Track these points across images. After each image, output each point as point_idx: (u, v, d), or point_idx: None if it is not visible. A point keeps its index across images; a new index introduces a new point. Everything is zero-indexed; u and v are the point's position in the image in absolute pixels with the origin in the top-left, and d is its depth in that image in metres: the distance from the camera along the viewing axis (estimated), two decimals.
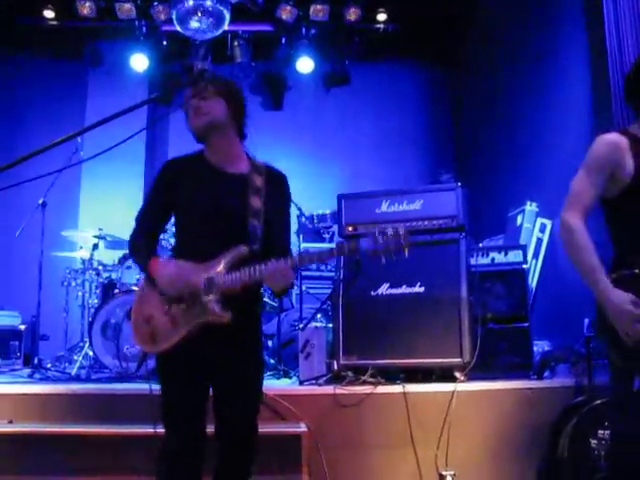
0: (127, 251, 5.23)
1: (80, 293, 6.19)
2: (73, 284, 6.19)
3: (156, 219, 3.03)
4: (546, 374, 4.57)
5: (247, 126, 3.00)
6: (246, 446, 2.91)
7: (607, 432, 3.73)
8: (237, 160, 2.97)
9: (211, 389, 2.89)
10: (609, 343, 2.69)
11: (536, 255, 5.86)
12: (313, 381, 4.44)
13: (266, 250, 2.85)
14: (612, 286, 2.61)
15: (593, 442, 3.74)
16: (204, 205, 2.86)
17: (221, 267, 2.77)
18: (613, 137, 2.78)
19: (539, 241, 5.91)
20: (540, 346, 4.95)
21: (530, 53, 6.48)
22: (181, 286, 2.76)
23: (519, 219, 5.99)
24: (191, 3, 7.14)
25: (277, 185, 3.00)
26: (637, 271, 2.67)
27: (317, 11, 8.08)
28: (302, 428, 3.86)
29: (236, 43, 8.20)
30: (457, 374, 4.25)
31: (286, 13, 7.99)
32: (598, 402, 3.83)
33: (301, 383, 4.49)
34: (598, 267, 2.64)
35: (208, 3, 7.11)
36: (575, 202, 2.77)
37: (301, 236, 5.92)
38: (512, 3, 6.85)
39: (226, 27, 7.52)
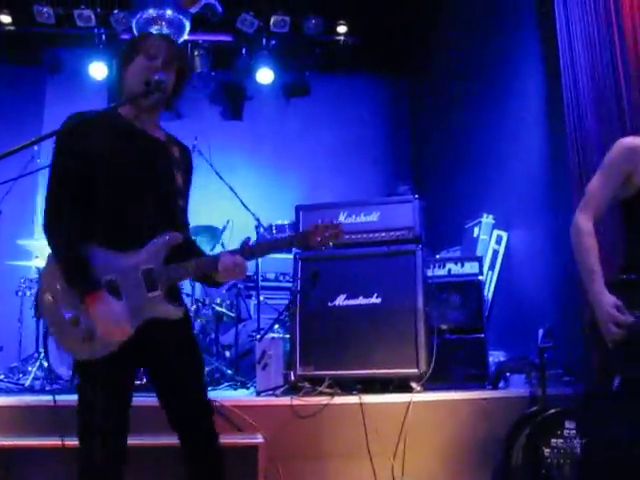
0: None
1: (35, 303, 6.09)
2: (28, 294, 6.06)
3: (79, 196, 2.49)
4: (501, 384, 4.62)
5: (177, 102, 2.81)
6: (213, 452, 2.70)
7: (560, 441, 3.80)
8: (155, 126, 2.73)
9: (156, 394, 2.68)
10: (594, 344, 2.74)
11: (492, 267, 5.93)
12: (270, 392, 4.41)
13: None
14: (604, 288, 2.66)
15: (546, 451, 3.80)
16: (133, 173, 2.54)
17: (158, 257, 2.50)
18: (630, 141, 2.82)
19: (495, 253, 5.99)
20: (495, 356, 5.00)
21: (486, 66, 6.56)
22: (119, 336, 2.43)
23: (475, 231, 6.06)
24: (151, 12, 7.11)
25: (187, 158, 2.80)
26: (625, 277, 2.73)
27: (277, 22, 8.11)
28: (259, 439, 3.84)
29: (196, 53, 8.17)
30: (413, 384, 4.28)
31: (246, 24, 7.99)
32: (551, 411, 3.89)
33: (258, 394, 4.47)
34: (597, 270, 2.69)
35: (168, 12, 7.08)
36: (588, 204, 2.82)
37: None
38: (469, 18, 6.93)
39: (186, 37, 7.50)
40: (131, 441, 2.58)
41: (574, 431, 3.83)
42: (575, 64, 4.53)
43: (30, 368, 5.57)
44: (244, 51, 8.42)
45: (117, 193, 2.52)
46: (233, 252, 2.58)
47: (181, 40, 7.38)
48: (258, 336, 4.88)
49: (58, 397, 4.63)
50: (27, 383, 5.28)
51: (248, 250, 2.60)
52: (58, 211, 2.48)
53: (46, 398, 4.44)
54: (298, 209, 4.79)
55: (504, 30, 6.24)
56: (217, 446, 2.71)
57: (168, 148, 2.69)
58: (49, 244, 2.53)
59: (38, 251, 6.11)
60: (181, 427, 2.65)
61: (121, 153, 2.55)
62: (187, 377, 2.65)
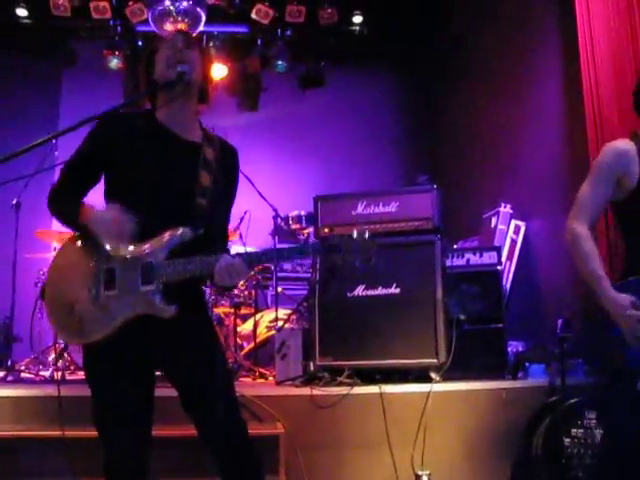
0: None
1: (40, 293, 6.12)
2: None
3: (84, 179, 2.62)
4: (520, 374, 4.62)
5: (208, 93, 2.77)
6: (244, 455, 2.59)
7: (580, 431, 3.80)
8: (191, 127, 2.71)
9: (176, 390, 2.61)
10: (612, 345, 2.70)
11: (510, 256, 5.91)
12: (290, 382, 4.44)
13: (206, 232, 2.58)
14: (615, 292, 2.62)
15: (566, 441, 3.80)
16: (149, 171, 2.54)
17: (161, 252, 2.48)
18: (620, 144, 2.79)
19: (513, 242, 5.97)
20: (514, 346, 4.99)
21: (505, 54, 6.53)
22: (121, 227, 2.43)
23: (494, 221, 6.04)
24: (167, 3, 7.11)
25: (228, 160, 2.75)
26: (633, 278, 2.68)
27: (292, 12, 8.10)
28: (279, 429, 3.86)
29: (212, 44, 8.18)
30: (432, 374, 4.28)
31: (261, 14, 7.99)
32: (571, 401, 3.89)
33: (277, 384, 4.50)
34: (602, 275, 2.66)
35: (184, 4, 7.09)
36: (580, 209, 2.79)
37: (276, 237, 5.91)
38: (488, 7, 6.89)
39: (202, 28, 7.50)
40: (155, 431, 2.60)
41: (594, 421, 3.82)
42: (595, 53, 4.50)
43: (50, 359, 5.61)
44: (259, 42, 8.42)
45: (130, 190, 2.54)
46: (234, 256, 2.48)
47: (197, 31, 7.38)
48: (277, 326, 4.88)
49: (80, 387, 4.70)
50: (47, 374, 5.31)
51: (249, 256, 2.50)
52: (56, 192, 2.61)
53: (67, 389, 4.49)
54: (316, 199, 4.79)
55: (523, 17, 6.20)
56: (248, 453, 2.64)
57: (199, 149, 2.66)
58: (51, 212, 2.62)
59: (56, 242, 6.15)
60: (212, 450, 2.61)
61: (141, 152, 2.57)
62: (204, 390, 2.54)
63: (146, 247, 2.49)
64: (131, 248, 2.50)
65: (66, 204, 2.59)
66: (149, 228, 2.49)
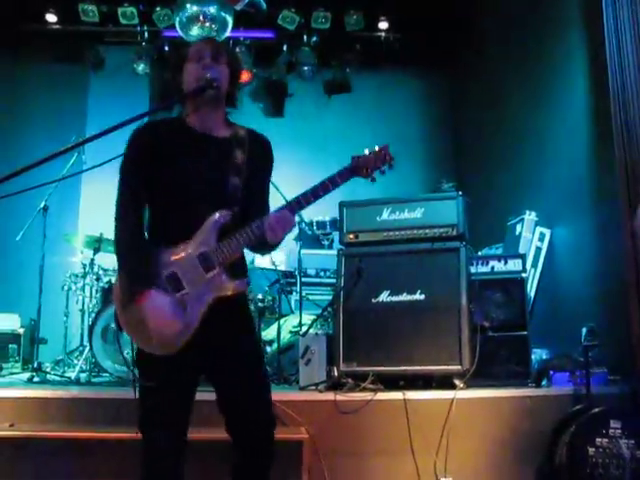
0: None
1: (80, 297, 6.20)
2: (73, 288, 6.20)
3: (140, 204, 2.69)
4: (544, 382, 4.59)
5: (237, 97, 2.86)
6: (266, 450, 2.73)
7: (605, 440, 3.77)
8: (221, 127, 2.78)
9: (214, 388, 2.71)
10: None
11: (535, 264, 5.88)
12: (313, 387, 4.45)
13: (244, 213, 2.68)
14: None
15: (591, 450, 3.77)
16: (185, 172, 2.63)
17: (210, 238, 2.57)
18: None
19: (538, 250, 5.93)
20: (538, 354, 4.97)
21: (531, 63, 6.50)
22: (168, 330, 2.51)
23: (518, 228, 6.01)
24: (194, 9, 7.17)
25: (259, 147, 2.81)
26: None
27: (318, 18, 8.14)
28: (303, 434, 3.88)
29: (238, 49, 8.23)
30: (456, 381, 4.28)
31: (288, 20, 8.04)
32: (596, 410, 3.87)
33: (301, 389, 4.51)
34: None
35: (211, 10, 7.14)
36: None
37: (300, 242, 5.94)
38: (511, 12, 6.87)
39: (228, 33, 7.55)
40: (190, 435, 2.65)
41: (620, 431, 3.80)
42: (622, 59, 4.47)
43: (76, 361, 5.68)
44: (285, 48, 8.46)
45: (168, 193, 2.65)
46: (278, 209, 2.60)
47: (223, 37, 7.43)
48: (301, 331, 4.90)
49: (105, 390, 4.76)
50: (73, 376, 5.37)
51: (292, 202, 2.61)
52: (121, 211, 2.63)
53: (91, 390, 4.54)
54: (342, 205, 4.81)
55: (547, 24, 6.18)
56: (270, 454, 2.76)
57: (229, 142, 2.73)
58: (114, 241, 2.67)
59: (82, 246, 6.23)
60: (242, 446, 2.71)
61: (176, 155, 2.66)
62: (246, 392, 2.66)
63: (193, 242, 2.58)
64: (181, 249, 2.59)
65: (134, 245, 2.61)
66: (187, 225, 2.59)
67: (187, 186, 2.63)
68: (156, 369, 2.56)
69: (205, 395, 2.76)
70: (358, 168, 2.71)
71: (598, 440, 3.79)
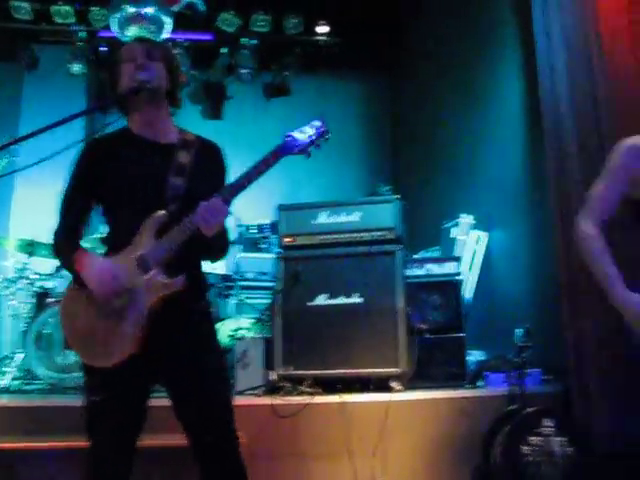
0: None
1: (12, 302, 6.03)
2: (5, 293, 6.03)
3: (80, 210, 2.68)
4: (480, 383, 4.66)
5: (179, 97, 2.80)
6: (232, 462, 2.62)
7: (538, 439, 3.84)
8: (166, 131, 2.72)
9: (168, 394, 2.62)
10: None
11: (471, 267, 5.96)
12: (251, 392, 4.43)
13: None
14: (628, 291, 2.62)
15: (525, 449, 3.83)
16: (131, 180, 2.58)
17: (147, 240, 2.50)
18: (632, 140, 2.79)
19: (474, 253, 6.01)
20: (475, 356, 5.04)
21: (466, 67, 6.59)
22: (112, 283, 2.46)
23: (454, 231, 6.09)
24: (131, 10, 7.06)
25: (211, 154, 2.77)
26: None
27: (258, 21, 8.11)
28: (240, 439, 3.83)
29: (176, 51, 8.13)
30: (393, 384, 4.31)
31: (227, 23, 7.98)
32: (530, 410, 3.93)
33: (238, 394, 4.47)
34: (613, 273, 2.66)
35: (149, 10, 7.04)
36: (591, 208, 2.78)
37: (239, 246, 5.92)
38: (449, 20, 6.96)
39: (167, 35, 7.46)
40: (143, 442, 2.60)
41: (552, 429, 3.87)
42: (553, 67, 4.56)
43: (7, 369, 5.52)
44: (224, 50, 8.40)
45: (115, 203, 2.63)
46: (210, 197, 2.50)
47: (161, 38, 7.34)
48: (237, 335, 4.87)
49: (38, 397, 4.65)
50: (4, 383, 5.23)
51: (223, 189, 2.53)
52: (57, 235, 2.64)
53: (23, 399, 4.43)
54: (279, 209, 4.81)
55: (484, 32, 6.27)
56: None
57: (173, 149, 2.67)
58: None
59: (14, 250, 6.06)
60: (202, 457, 2.60)
61: (122, 165, 2.61)
62: (198, 385, 2.55)
63: (132, 245, 2.52)
64: (121, 256, 2.53)
65: (63, 255, 2.63)
66: (128, 234, 2.54)
67: (130, 193, 2.57)
68: (102, 378, 2.49)
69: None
70: (291, 145, 2.65)
71: (532, 439, 3.85)
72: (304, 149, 2.67)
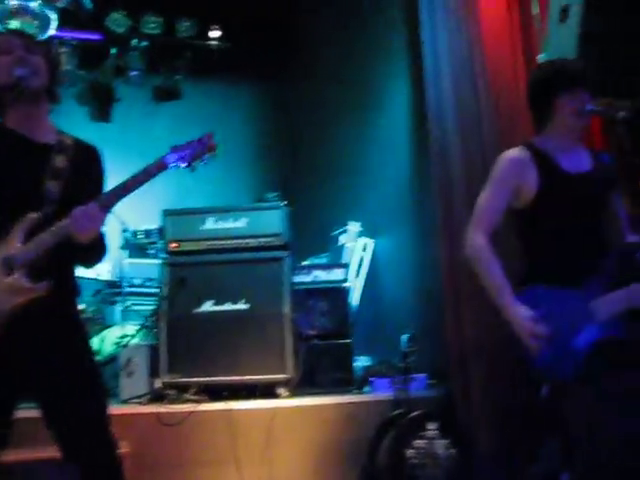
0: None
1: None
2: None
3: None
4: (367, 388, 4.72)
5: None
6: (109, 475, 2.51)
7: (422, 442, 3.92)
8: (43, 130, 2.61)
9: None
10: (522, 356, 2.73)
11: (358, 273, 6.04)
12: (135, 400, 4.34)
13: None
14: (514, 302, 2.66)
15: (409, 452, 3.90)
16: (12, 181, 2.46)
17: (15, 241, 2.38)
18: (514, 153, 2.86)
19: (361, 260, 6.10)
20: (362, 361, 5.10)
21: (357, 76, 6.66)
22: None
23: (342, 238, 6.16)
24: (14, 3, 6.78)
25: (88, 157, 2.65)
26: (530, 286, 2.74)
27: (149, 23, 7.95)
28: (124, 448, 3.75)
29: (63, 50, 7.88)
30: (280, 390, 4.31)
31: (116, 23, 7.79)
32: (415, 414, 4.00)
33: (123, 402, 4.38)
34: (502, 284, 2.70)
35: (33, 4, 6.77)
36: (479, 220, 2.83)
37: (125, 251, 5.78)
38: (342, 27, 7.01)
39: (53, 32, 7.20)
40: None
41: (436, 432, 3.95)
42: (439, 79, 4.69)
43: None
44: (114, 51, 8.19)
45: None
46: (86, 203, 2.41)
47: (47, 35, 7.09)
48: (123, 343, 4.76)
49: None
50: None
51: (101, 196, 2.45)
52: None
53: None
54: (165, 213, 4.74)
55: (374, 39, 6.34)
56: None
57: (49, 151, 2.55)
58: None
59: None
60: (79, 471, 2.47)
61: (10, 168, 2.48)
62: (70, 399, 2.44)
63: (1, 249, 2.39)
64: None
65: None
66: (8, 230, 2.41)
67: (2, 193, 2.45)
68: None
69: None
70: (176, 158, 2.60)
71: (416, 442, 3.93)
72: (189, 163, 2.62)
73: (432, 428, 3.97)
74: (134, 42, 8.11)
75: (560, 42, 3.50)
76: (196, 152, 2.62)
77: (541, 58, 3.73)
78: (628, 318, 2.67)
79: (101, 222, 2.40)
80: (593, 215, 2.82)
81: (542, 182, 2.77)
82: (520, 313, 2.63)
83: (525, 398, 2.78)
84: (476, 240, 2.78)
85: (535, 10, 4.05)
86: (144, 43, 8.13)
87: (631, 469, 2.50)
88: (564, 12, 3.52)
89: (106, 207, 2.42)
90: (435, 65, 4.72)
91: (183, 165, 2.59)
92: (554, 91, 2.81)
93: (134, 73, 8.19)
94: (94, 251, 2.56)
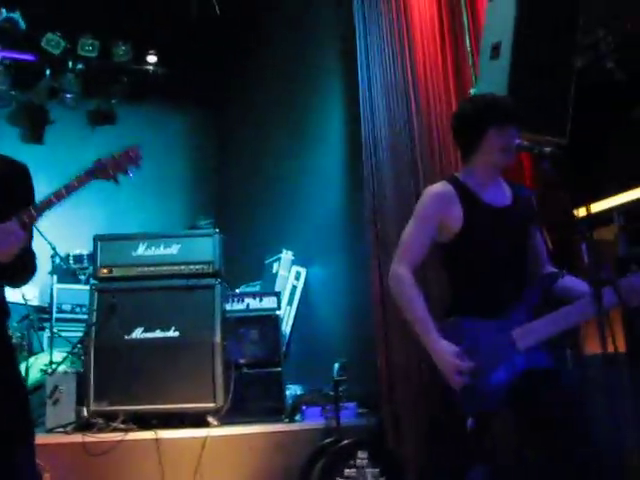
0: None
1: None
2: None
3: None
4: (298, 417, 4.71)
5: None
6: None
7: (353, 471, 3.93)
8: None
9: None
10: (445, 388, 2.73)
11: (291, 302, 6.05)
12: (61, 429, 4.24)
13: None
14: (438, 336, 2.66)
15: None
16: None
17: None
18: (438, 188, 2.88)
19: (294, 288, 6.12)
20: (293, 390, 5.09)
21: (294, 106, 6.72)
22: None
23: (275, 266, 6.17)
24: None
25: (14, 172, 2.58)
26: (454, 319, 2.76)
27: (85, 45, 7.88)
28: None
29: None
30: (210, 419, 4.27)
31: (52, 44, 7.69)
32: (345, 442, 4.02)
33: (48, 432, 4.26)
34: (425, 318, 2.70)
35: None
36: (403, 254, 2.83)
37: (55, 276, 5.67)
38: (279, 56, 7.08)
39: None
40: None
41: (366, 460, 3.97)
42: (374, 111, 4.78)
43: None
44: (48, 72, 8.08)
45: None
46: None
47: None
48: (50, 370, 4.66)
49: None
50: None
51: (21, 213, 2.35)
52: None
53: None
54: (96, 239, 4.68)
55: (311, 74, 6.43)
56: None
57: None
58: None
59: None
60: None
61: None
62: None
63: None
64: None
65: None
66: None
67: None
68: None
69: None
70: (99, 170, 2.53)
71: (347, 471, 3.94)
72: (113, 176, 2.57)
73: (362, 457, 3.98)
74: (70, 64, 8.01)
75: (492, 78, 3.58)
76: (121, 165, 2.57)
77: (473, 93, 3.81)
78: (549, 347, 2.74)
79: (20, 240, 2.32)
80: (515, 247, 2.88)
81: (466, 216, 2.81)
82: (444, 348, 2.65)
83: (451, 428, 2.80)
84: (400, 273, 2.80)
85: (469, 46, 4.13)
86: (80, 66, 8.04)
87: None
88: (495, 49, 3.61)
89: (26, 224, 2.35)
90: (370, 98, 4.82)
91: (107, 178, 2.55)
92: (484, 125, 2.82)
93: (69, 96, 8.08)
94: (19, 270, 2.47)
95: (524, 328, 2.66)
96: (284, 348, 5.05)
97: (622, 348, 3.23)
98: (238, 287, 5.93)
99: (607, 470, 2.73)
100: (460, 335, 2.68)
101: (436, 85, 4.33)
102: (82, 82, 8.10)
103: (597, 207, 3.73)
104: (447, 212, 2.82)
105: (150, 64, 8.21)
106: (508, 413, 2.75)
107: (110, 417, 4.23)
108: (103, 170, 2.54)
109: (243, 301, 4.91)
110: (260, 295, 4.98)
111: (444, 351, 2.64)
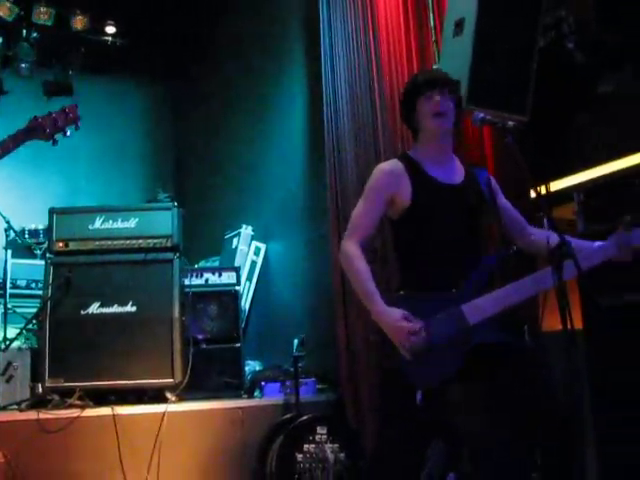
0: None
1: None
2: None
3: None
4: (256, 393, 4.71)
5: None
6: None
7: (312, 446, 3.96)
8: None
9: None
10: (391, 364, 2.75)
11: (250, 277, 6.04)
12: (15, 406, 4.16)
13: None
14: (385, 306, 2.69)
15: (299, 456, 3.94)
16: None
17: None
18: (389, 165, 2.94)
19: (253, 264, 6.10)
20: (252, 366, 5.09)
21: (257, 79, 6.65)
22: None
23: (235, 241, 6.14)
24: None
25: None
26: (403, 293, 2.82)
27: (41, 14, 7.67)
28: None
29: None
30: (168, 395, 4.24)
31: (4, 10, 7.47)
32: (304, 418, 4.04)
33: (1, 409, 4.19)
34: (373, 291, 2.73)
35: None
36: (353, 229, 2.89)
37: (9, 251, 5.56)
38: (241, 29, 6.99)
39: None
40: None
41: (325, 436, 3.99)
42: (336, 86, 4.76)
43: None
44: (1, 40, 7.86)
45: None
46: None
47: None
48: (3, 346, 4.58)
49: None
50: None
51: None
52: None
53: None
54: (52, 212, 4.58)
55: (273, 48, 6.36)
56: None
57: None
58: None
59: None
60: None
61: None
62: None
63: None
64: None
65: None
66: None
67: None
68: None
69: None
70: (35, 129, 2.47)
71: (306, 446, 3.97)
72: (50, 134, 2.50)
73: (322, 432, 4.00)
74: (24, 32, 7.80)
75: (454, 54, 3.61)
76: (58, 123, 2.50)
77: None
78: (503, 322, 2.77)
79: None
80: (465, 225, 2.92)
81: (415, 192, 2.86)
82: (391, 313, 2.68)
83: (402, 405, 2.82)
84: (348, 248, 2.84)
85: (432, 23, 4.13)
86: (34, 34, 7.83)
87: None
88: (458, 26, 3.62)
89: None
90: (332, 78, 4.80)
91: (44, 138, 2.48)
92: (413, 97, 2.93)
93: (23, 65, 7.88)
94: None
95: (474, 303, 2.69)
96: (243, 324, 5.04)
97: (579, 324, 3.28)
98: (197, 262, 5.88)
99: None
100: (410, 308, 2.70)
101: (399, 63, 4.32)
102: (37, 51, 7.91)
103: (557, 185, 3.76)
104: (396, 188, 2.87)
105: (108, 35, 8.04)
106: (458, 387, 2.77)
107: (66, 393, 4.15)
108: (40, 128, 2.46)
109: (202, 276, 4.87)
110: (219, 270, 4.95)
111: (391, 316, 2.68)
